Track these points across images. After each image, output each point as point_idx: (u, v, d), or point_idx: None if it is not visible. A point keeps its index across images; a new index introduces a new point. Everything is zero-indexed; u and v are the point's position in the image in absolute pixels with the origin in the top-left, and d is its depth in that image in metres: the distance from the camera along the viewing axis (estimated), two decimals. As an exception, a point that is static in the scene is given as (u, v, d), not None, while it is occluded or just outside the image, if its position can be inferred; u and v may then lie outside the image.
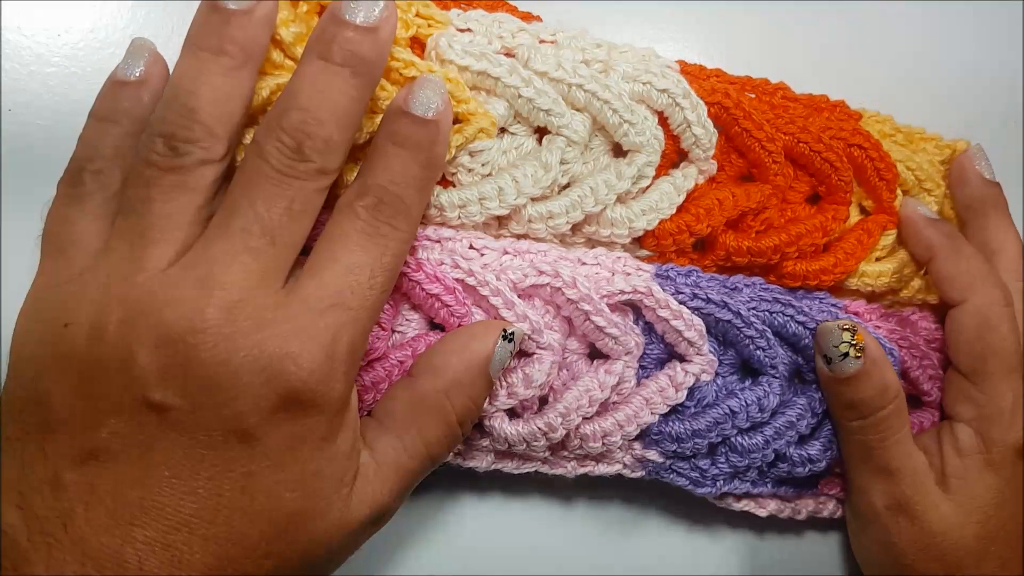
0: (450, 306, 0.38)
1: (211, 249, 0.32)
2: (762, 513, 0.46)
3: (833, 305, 0.45)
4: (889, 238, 0.47)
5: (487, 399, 0.39)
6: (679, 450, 0.42)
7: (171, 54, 0.40)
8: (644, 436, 0.42)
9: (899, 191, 0.46)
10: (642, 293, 0.40)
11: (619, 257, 0.42)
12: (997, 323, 0.43)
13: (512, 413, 0.40)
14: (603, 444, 0.40)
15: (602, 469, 0.43)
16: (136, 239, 0.32)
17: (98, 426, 0.30)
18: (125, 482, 0.30)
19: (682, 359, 0.42)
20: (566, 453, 0.42)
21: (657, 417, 0.41)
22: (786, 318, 0.42)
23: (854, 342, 0.40)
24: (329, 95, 0.33)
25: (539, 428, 0.39)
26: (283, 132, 0.32)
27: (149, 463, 0.30)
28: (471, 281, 0.38)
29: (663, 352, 0.42)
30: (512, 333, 0.38)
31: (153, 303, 0.31)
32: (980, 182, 0.47)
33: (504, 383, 0.39)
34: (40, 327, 0.32)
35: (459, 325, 0.38)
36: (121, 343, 0.30)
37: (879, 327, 0.45)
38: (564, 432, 0.39)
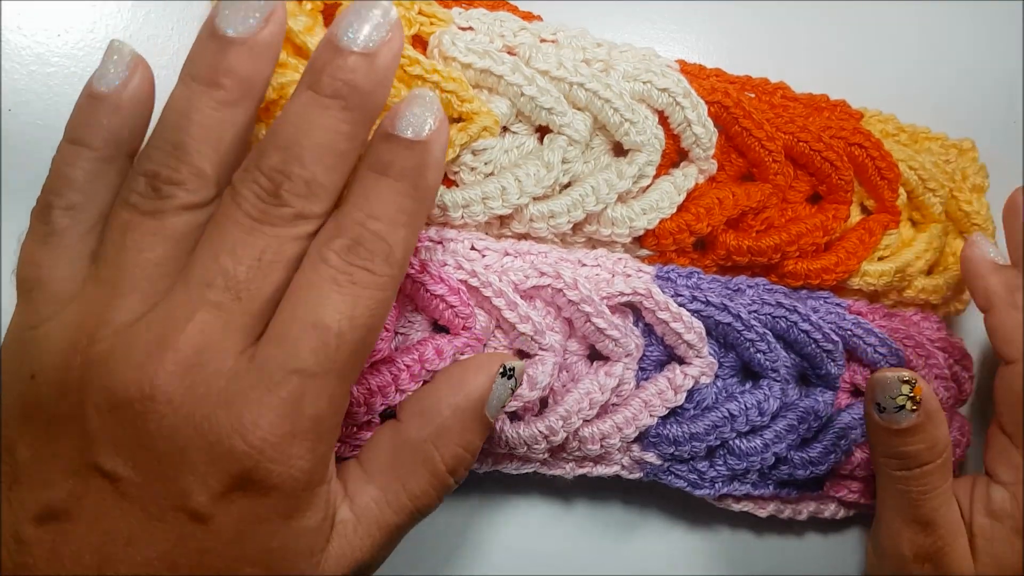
0: (455, 307, 0.38)
1: (171, 305, 0.29)
2: (762, 514, 0.46)
3: (837, 304, 0.45)
4: (891, 237, 0.47)
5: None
6: (676, 453, 0.42)
7: (171, 54, 0.40)
8: (642, 438, 0.42)
9: (901, 189, 0.46)
10: (642, 295, 0.40)
11: (620, 259, 0.42)
12: None
13: (513, 415, 0.40)
14: (601, 446, 0.40)
15: (600, 470, 0.42)
16: (107, 288, 0.29)
17: (57, 485, 0.28)
18: (84, 547, 0.28)
19: (681, 361, 0.42)
20: (565, 455, 0.42)
21: (656, 420, 0.41)
22: (789, 323, 0.42)
23: (912, 395, 0.39)
24: (314, 131, 0.29)
25: (540, 431, 0.39)
26: (260, 173, 0.29)
27: (106, 530, 0.28)
28: (474, 282, 0.38)
29: (663, 354, 0.42)
30: (512, 368, 0.35)
31: (109, 362, 0.28)
32: None
33: None
34: (10, 374, 0.30)
35: (463, 327, 0.38)
36: (77, 402, 0.28)
37: (883, 326, 0.45)
38: (565, 435, 0.39)
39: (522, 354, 0.40)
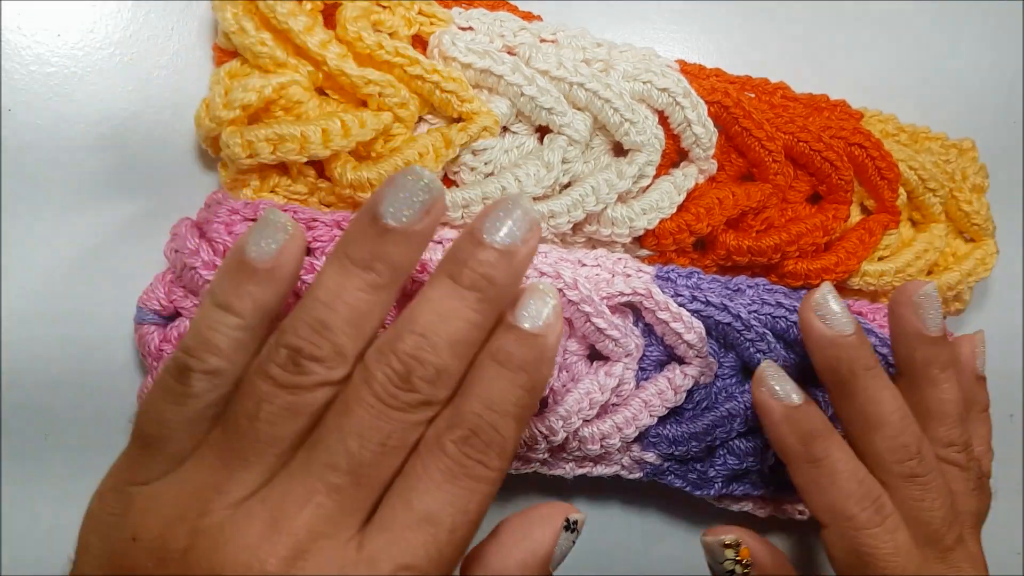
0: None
1: (290, 484, 0.29)
2: (761, 514, 0.46)
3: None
4: (891, 237, 0.47)
5: None
6: (676, 453, 0.42)
7: (171, 54, 0.40)
8: (642, 438, 0.42)
9: (901, 189, 0.46)
10: (642, 295, 0.40)
11: (620, 259, 0.42)
12: (868, 551, 0.36)
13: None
14: (601, 446, 0.40)
15: (600, 470, 0.42)
16: (230, 457, 0.29)
17: None
18: None
19: (681, 361, 0.42)
20: (564, 455, 0.42)
21: (655, 420, 0.41)
22: (789, 323, 0.42)
23: (738, 559, 0.36)
24: (450, 321, 0.30)
25: (540, 431, 0.39)
26: (394, 357, 0.29)
27: None
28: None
29: (662, 354, 0.42)
30: (575, 522, 0.34)
31: (219, 539, 0.28)
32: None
33: None
34: (109, 527, 0.30)
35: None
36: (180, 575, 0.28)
37: (883, 326, 0.45)
38: (565, 435, 0.39)
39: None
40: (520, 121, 0.40)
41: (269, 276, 0.30)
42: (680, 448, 0.42)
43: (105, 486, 0.31)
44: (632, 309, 0.42)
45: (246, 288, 0.30)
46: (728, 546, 0.36)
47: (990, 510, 0.43)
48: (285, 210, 0.37)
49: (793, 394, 0.38)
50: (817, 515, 0.37)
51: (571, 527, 0.34)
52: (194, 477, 0.29)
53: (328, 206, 0.40)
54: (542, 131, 0.41)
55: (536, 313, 0.31)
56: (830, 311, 0.38)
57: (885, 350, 0.44)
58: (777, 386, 0.38)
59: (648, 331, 0.42)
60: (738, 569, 0.36)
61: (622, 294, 0.40)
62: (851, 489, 0.36)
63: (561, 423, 0.39)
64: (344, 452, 0.29)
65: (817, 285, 0.44)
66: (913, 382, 0.39)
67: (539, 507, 0.35)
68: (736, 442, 0.42)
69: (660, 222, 0.42)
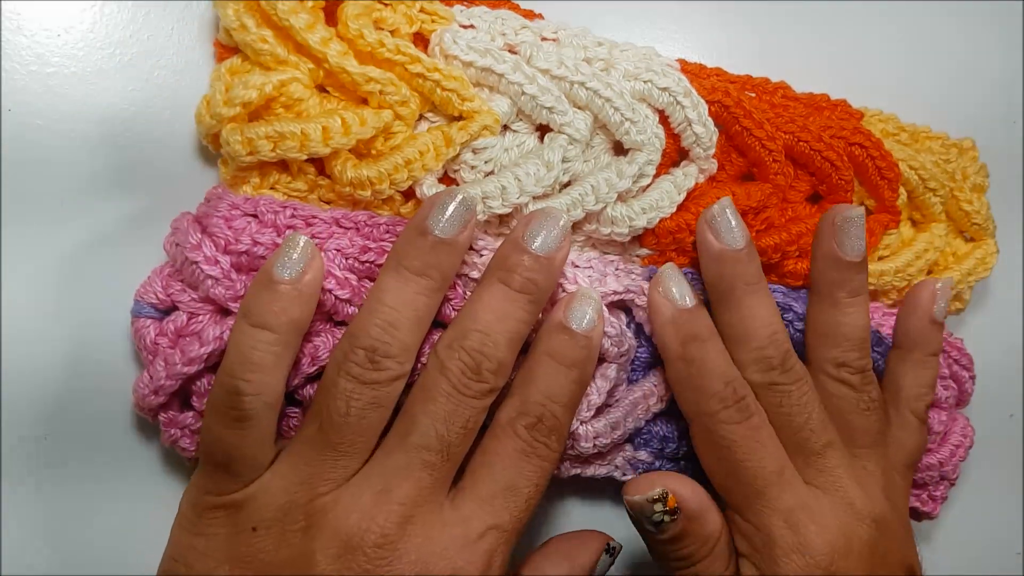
0: (451, 300, 0.38)
1: (389, 462, 0.34)
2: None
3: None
4: (891, 237, 0.47)
5: None
6: (667, 450, 0.42)
7: (171, 54, 0.40)
8: (634, 437, 0.42)
9: (901, 189, 0.46)
10: (634, 292, 0.40)
11: (611, 260, 0.42)
12: (724, 442, 0.39)
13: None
14: (594, 446, 0.40)
15: (594, 471, 0.42)
16: (326, 450, 0.34)
17: None
18: None
19: None
20: (558, 455, 0.42)
21: (643, 422, 0.42)
22: (785, 323, 0.42)
23: (666, 508, 0.38)
24: (507, 321, 0.36)
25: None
26: (464, 352, 0.35)
27: None
28: (475, 275, 0.38)
29: (651, 356, 0.42)
30: (615, 548, 0.40)
31: (337, 513, 0.33)
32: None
33: None
34: (225, 531, 0.34)
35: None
36: (305, 549, 0.33)
37: (882, 325, 0.45)
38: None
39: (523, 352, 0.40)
40: (521, 120, 0.40)
41: (298, 293, 0.34)
42: (671, 445, 0.42)
43: (190, 510, 0.35)
44: (623, 311, 0.42)
45: (279, 305, 0.34)
46: (656, 500, 0.38)
47: (989, 508, 0.43)
48: (284, 207, 0.37)
49: (687, 297, 0.40)
50: (685, 412, 0.40)
51: (610, 551, 0.39)
52: (296, 471, 0.34)
53: (328, 203, 0.40)
54: (542, 130, 0.41)
55: (584, 316, 0.37)
56: (724, 224, 0.40)
57: (882, 349, 0.44)
58: (674, 287, 0.40)
59: (638, 332, 0.42)
60: (667, 519, 0.38)
61: (615, 292, 0.40)
62: (716, 388, 0.38)
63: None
64: (435, 435, 0.34)
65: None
66: (820, 301, 0.42)
67: (585, 532, 0.40)
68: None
69: (660, 221, 0.42)
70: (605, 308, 0.39)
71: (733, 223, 0.40)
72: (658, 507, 0.38)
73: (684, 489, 0.38)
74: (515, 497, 0.35)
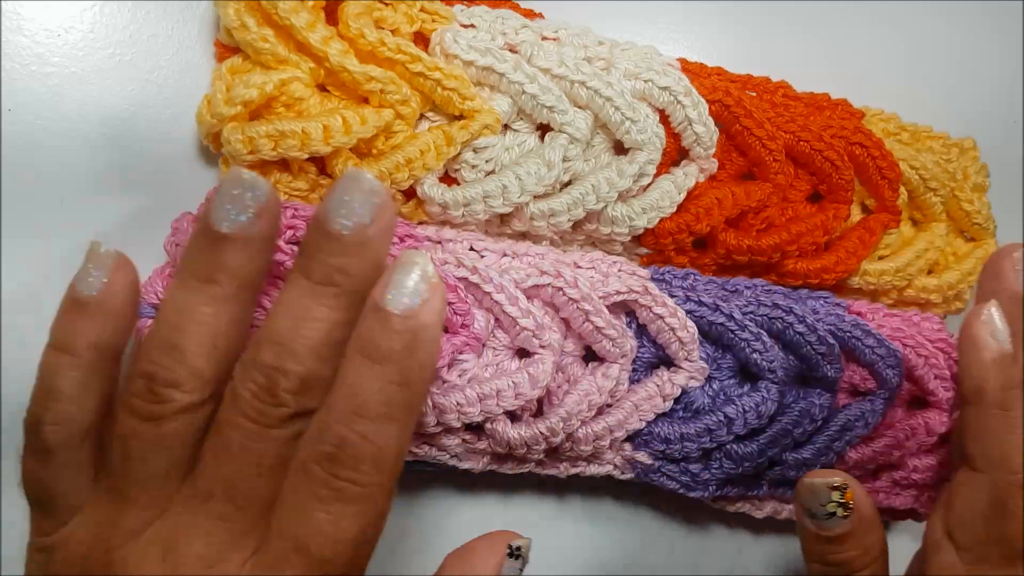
0: (452, 304, 0.38)
1: (178, 516, 0.29)
2: (759, 515, 0.46)
3: (836, 304, 0.45)
4: (892, 237, 0.47)
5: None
6: (667, 451, 0.42)
7: (170, 53, 0.40)
8: (634, 438, 0.42)
9: (902, 189, 0.46)
10: (637, 292, 0.40)
11: (615, 261, 0.42)
12: (1014, 509, 0.37)
13: (512, 416, 0.40)
14: (593, 447, 0.40)
15: (593, 470, 0.42)
16: (116, 498, 0.29)
17: None
18: None
19: (671, 364, 0.42)
20: (558, 455, 0.41)
21: (645, 423, 0.41)
22: (785, 324, 0.42)
23: (843, 500, 0.36)
24: (308, 323, 0.28)
25: (540, 432, 0.39)
26: (256, 371, 0.28)
27: None
28: (474, 279, 0.38)
29: (653, 356, 0.42)
30: (519, 548, 0.33)
31: (125, 571, 0.28)
32: (1015, 300, 0.40)
33: (511, 384, 0.39)
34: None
35: (462, 325, 0.38)
36: None
37: (883, 326, 0.45)
38: (564, 436, 0.39)
39: (523, 352, 0.40)
40: (521, 119, 0.40)
41: (99, 310, 0.29)
42: (671, 447, 0.42)
43: (28, 553, 0.31)
44: (625, 313, 0.42)
45: (79, 326, 0.29)
46: (835, 488, 0.36)
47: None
48: (285, 207, 0.37)
49: (1009, 341, 0.38)
50: (976, 458, 0.37)
51: (515, 554, 0.33)
52: (95, 518, 0.29)
53: (329, 203, 0.40)
54: (543, 129, 0.41)
55: (404, 288, 0.28)
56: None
57: (883, 351, 0.44)
58: (1000, 327, 0.38)
59: (639, 332, 0.42)
60: (840, 511, 0.36)
61: (618, 292, 0.40)
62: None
63: (562, 424, 0.39)
64: (220, 479, 0.28)
65: (817, 285, 0.44)
66: None
67: (481, 538, 0.34)
68: (733, 446, 0.42)
69: (660, 221, 0.42)
70: (605, 308, 0.39)
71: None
72: (835, 495, 0.36)
73: (860, 491, 0.37)
74: (305, 560, 0.28)
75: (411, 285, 0.28)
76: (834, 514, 0.36)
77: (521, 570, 0.34)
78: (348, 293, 0.28)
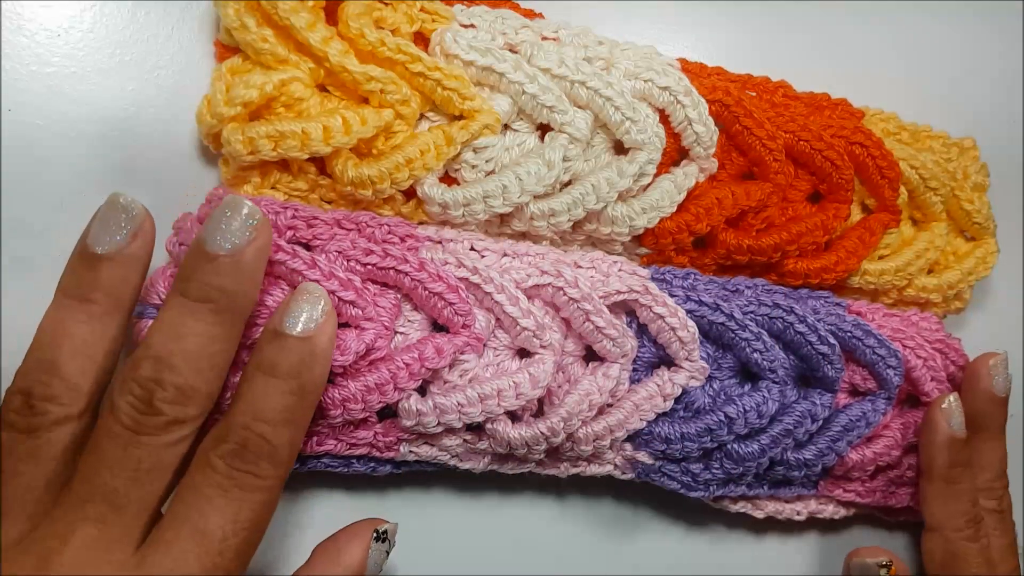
0: (453, 304, 0.38)
1: (55, 523, 0.30)
2: (759, 515, 0.46)
3: (836, 304, 0.45)
4: (892, 236, 0.47)
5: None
6: (668, 451, 0.42)
7: (170, 53, 0.40)
8: (634, 437, 0.42)
9: (902, 188, 0.46)
10: (638, 292, 0.40)
11: (615, 261, 0.42)
12: (964, 555, 0.45)
13: (513, 416, 0.40)
14: (593, 447, 0.40)
15: (593, 469, 0.42)
16: None
17: None
18: None
19: (671, 363, 0.42)
20: (558, 455, 0.41)
21: (645, 423, 0.41)
22: (786, 324, 0.42)
23: (891, 575, 0.43)
24: (185, 338, 0.30)
25: (541, 432, 0.39)
26: (134, 383, 0.30)
27: None
28: (475, 279, 0.38)
29: (653, 356, 0.42)
30: (384, 532, 0.36)
31: None
32: (987, 398, 0.46)
33: (512, 384, 0.39)
34: None
35: (463, 325, 0.38)
36: None
37: (882, 326, 0.45)
38: (565, 436, 0.39)
39: (523, 352, 0.40)
40: (521, 119, 0.40)
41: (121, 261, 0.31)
42: (672, 447, 0.41)
43: None
44: (626, 313, 0.41)
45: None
46: (884, 566, 0.43)
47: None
48: (285, 208, 0.37)
49: (963, 429, 0.45)
50: (930, 520, 0.45)
51: (381, 537, 0.36)
52: None
53: (329, 203, 0.40)
54: (543, 129, 0.41)
55: (299, 316, 0.32)
56: (1004, 375, 0.46)
57: (883, 351, 0.44)
58: (955, 417, 0.45)
59: (640, 332, 0.42)
60: None
61: (619, 292, 0.40)
62: (966, 509, 0.44)
63: (563, 424, 0.39)
64: (97, 485, 0.30)
65: (817, 285, 0.44)
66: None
67: (346, 528, 0.36)
68: (734, 446, 0.42)
69: (660, 221, 0.42)
70: (606, 308, 0.39)
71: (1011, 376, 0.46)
72: (883, 572, 0.43)
73: (901, 563, 0.44)
74: (206, 540, 0.30)
75: (314, 315, 0.32)
76: None
77: (388, 553, 0.36)
78: (224, 310, 0.31)
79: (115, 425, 0.30)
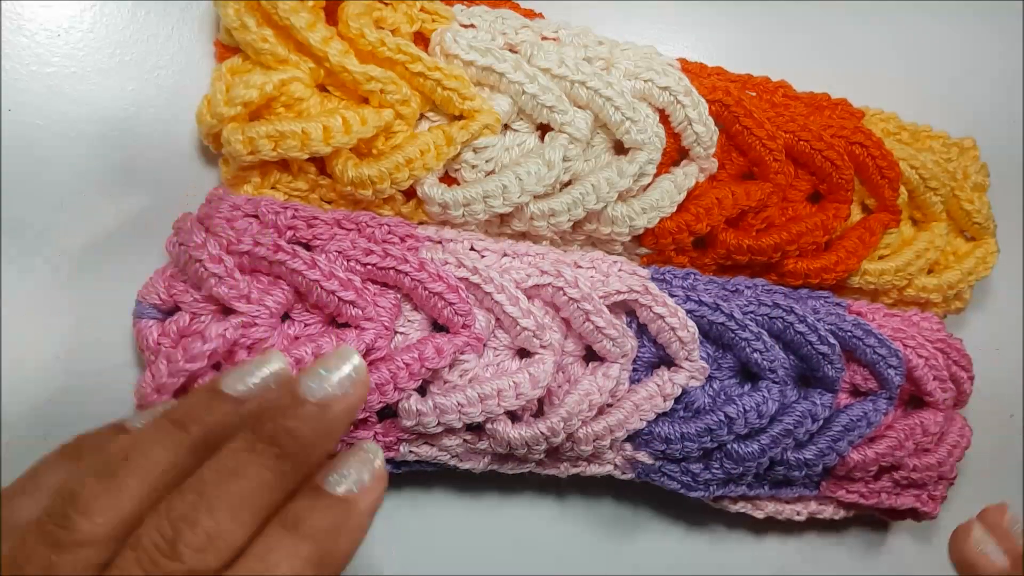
0: (453, 304, 0.38)
1: None
2: (759, 515, 0.46)
3: (837, 304, 0.45)
4: (892, 236, 0.47)
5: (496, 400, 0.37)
6: (668, 451, 0.42)
7: (170, 53, 0.40)
8: (634, 437, 0.42)
9: (902, 188, 0.46)
10: (638, 292, 0.40)
11: (615, 261, 0.42)
12: None
13: (513, 416, 0.40)
14: (594, 447, 0.40)
15: (593, 469, 0.42)
16: None
17: None
18: None
19: (671, 364, 0.42)
20: (558, 454, 0.41)
21: (645, 423, 0.41)
22: (786, 324, 0.42)
23: None
24: (237, 478, 0.26)
25: (541, 432, 0.39)
26: (165, 519, 0.26)
27: None
28: (475, 279, 0.38)
29: (653, 356, 0.42)
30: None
31: None
32: None
33: (512, 384, 0.39)
34: None
35: (463, 325, 0.38)
36: None
37: (883, 326, 0.45)
38: (565, 436, 0.39)
39: (523, 352, 0.40)
40: (521, 119, 0.40)
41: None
42: (672, 446, 0.41)
43: None
44: (626, 313, 0.41)
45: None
46: None
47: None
48: (285, 208, 0.37)
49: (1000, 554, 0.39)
50: None
51: None
52: None
53: (329, 203, 0.40)
54: (543, 129, 0.41)
55: (350, 476, 0.28)
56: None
57: (884, 351, 0.44)
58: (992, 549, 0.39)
59: (640, 332, 0.42)
60: None
61: (618, 292, 0.40)
62: None
63: (563, 424, 0.39)
64: None
65: (817, 285, 0.44)
66: None
67: None
68: (734, 446, 0.42)
69: (660, 221, 0.42)
70: (606, 308, 0.39)
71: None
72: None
73: None
74: None
75: (364, 476, 0.28)
76: None
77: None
78: (288, 457, 0.27)
79: (133, 563, 0.26)
